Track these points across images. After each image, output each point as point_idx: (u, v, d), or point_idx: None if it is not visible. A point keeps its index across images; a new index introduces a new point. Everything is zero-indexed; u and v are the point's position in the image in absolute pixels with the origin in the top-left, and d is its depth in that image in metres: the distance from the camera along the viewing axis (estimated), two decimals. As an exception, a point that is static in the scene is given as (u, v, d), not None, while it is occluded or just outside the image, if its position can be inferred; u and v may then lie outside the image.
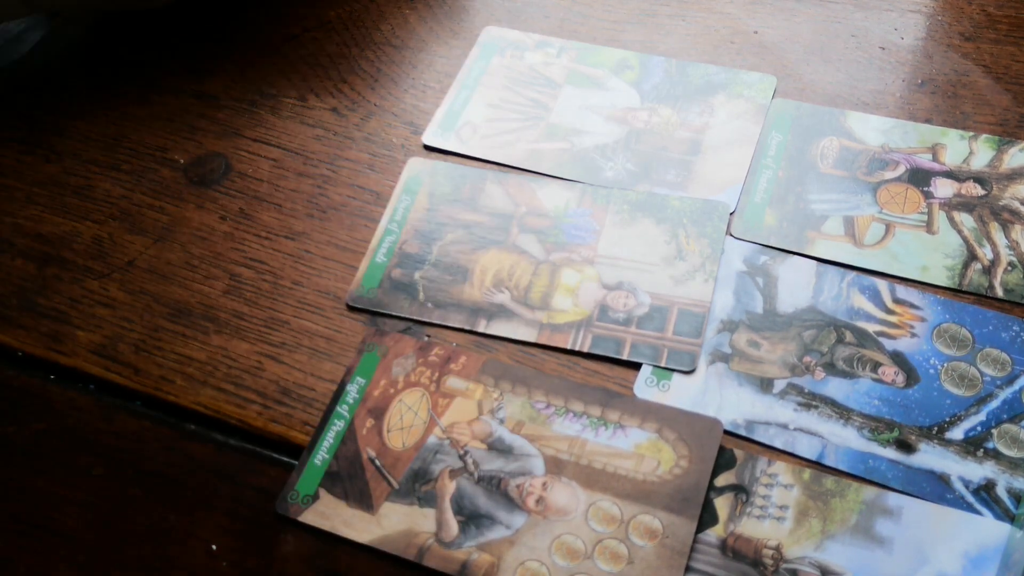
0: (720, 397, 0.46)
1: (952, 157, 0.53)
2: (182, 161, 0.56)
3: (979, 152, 0.53)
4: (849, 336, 0.47)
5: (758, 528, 0.42)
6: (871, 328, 0.47)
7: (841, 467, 0.44)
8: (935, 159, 0.53)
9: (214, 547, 0.43)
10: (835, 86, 0.56)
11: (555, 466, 0.44)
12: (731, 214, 0.52)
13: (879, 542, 0.42)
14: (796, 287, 0.49)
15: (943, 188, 0.52)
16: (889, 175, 0.53)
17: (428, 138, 0.56)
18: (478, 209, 0.53)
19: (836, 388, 0.46)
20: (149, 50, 0.61)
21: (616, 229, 0.51)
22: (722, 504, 0.43)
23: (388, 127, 0.57)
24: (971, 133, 0.54)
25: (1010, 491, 0.43)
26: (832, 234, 0.50)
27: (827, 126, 0.55)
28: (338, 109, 0.57)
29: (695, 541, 0.42)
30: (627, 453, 0.44)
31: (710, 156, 0.54)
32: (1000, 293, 0.48)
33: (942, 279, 0.49)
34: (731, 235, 0.51)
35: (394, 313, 0.49)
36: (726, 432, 0.45)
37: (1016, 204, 0.51)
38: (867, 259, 0.50)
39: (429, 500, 0.44)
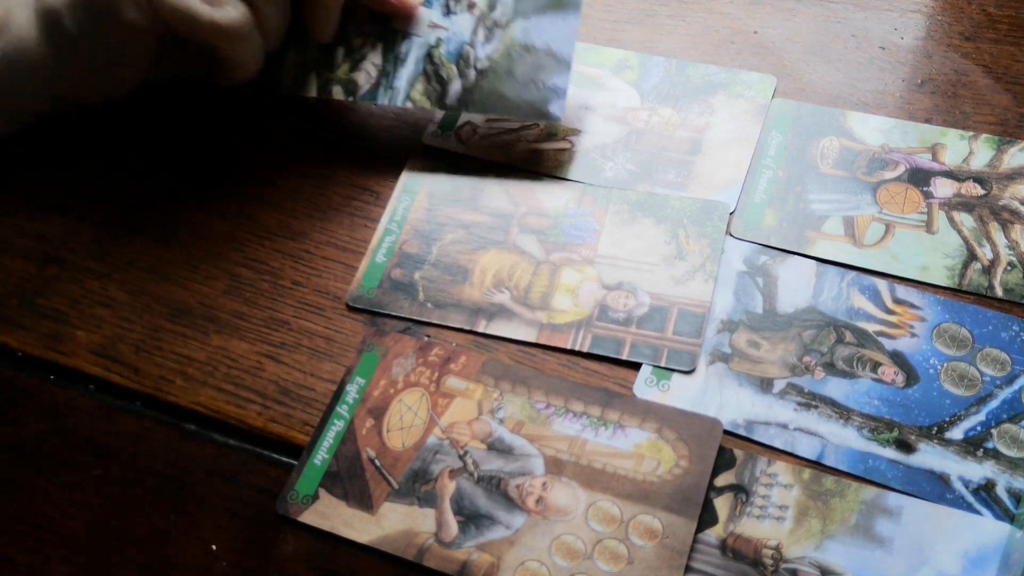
0: (720, 397, 0.46)
1: (952, 157, 0.53)
2: (183, 161, 0.55)
3: (979, 152, 0.53)
4: (849, 336, 0.47)
5: (758, 528, 0.42)
6: (871, 328, 0.47)
7: (841, 467, 0.44)
8: (935, 159, 0.53)
9: (214, 547, 0.43)
10: (835, 86, 0.56)
11: (555, 466, 0.44)
12: (731, 214, 0.52)
13: (879, 542, 0.42)
14: (796, 287, 0.49)
15: (943, 188, 0.52)
16: (889, 175, 0.53)
17: (428, 138, 0.56)
18: (478, 209, 0.53)
19: (836, 388, 0.46)
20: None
21: (616, 229, 0.51)
22: (722, 504, 0.43)
23: (388, 127, 0.56)
24: (971, 133, 0.54)
25: (1010, 491, 0.43)
26: (832, 234, 0.50)
27: (827, 126, 0.55)
28: (339, 109, 0.57)
29: (695, 541, 0.42)
30: (627, 453, 0.44)
31: (710, 156, 0.54)
32: (1000, 293, 0.48)
33: (942, 279, 0.49)
34: (731, 235, 0.51)
35: (394, 313, 0.49)
36: (726, 432, 0.45)
37: (1016, 204, 0.51)
38: (867, 259, 0.50)
39: (429, 500, 0.44)
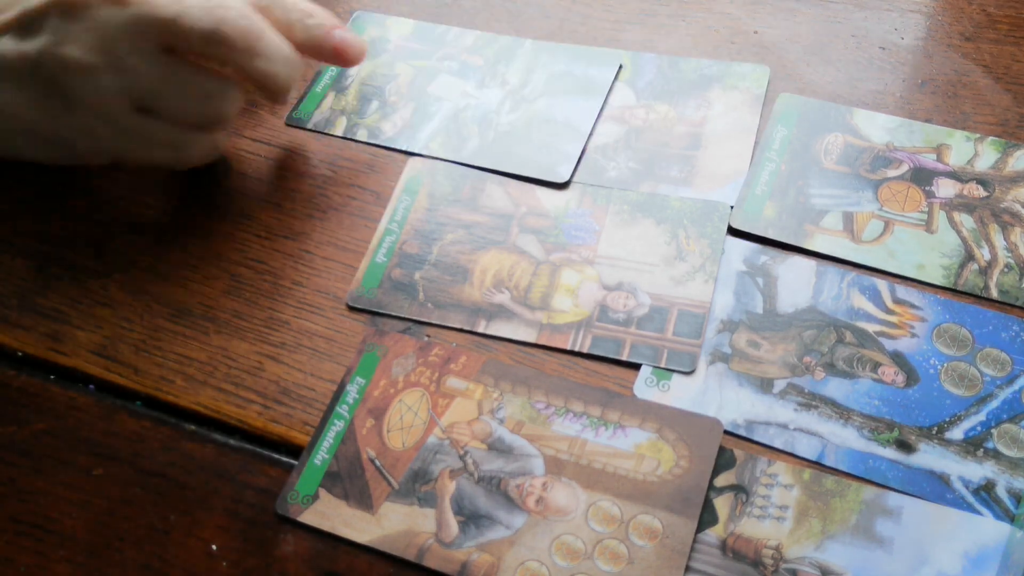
0: (720, 397, 0.46)
1: (957, 158, 0.53)
2: (182, 161, 0.55)
3: (984, 154, 0.53)
4: (849, 336, 0.47)
5: (758, 528, 0.42)
6: (871, 328, 0.47)
7: (841, 467, 0.44)
8: (939, 159, 0.53)
9: (214, 547, 0.43)
10: (835, 86, 0.56)
11: (555, 466, 0.44)
12: (731, 207, 0.51)
13: (879, 542, 0.42)
14: (796, 287, 0.49)
15: (945, 188, 0.52)
16: (892, 173, 0.53)
17: (428, 138, 0.56)
18: (478, 209, 0.53)
19: (836, 388, 0.46)
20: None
21: (616, 230, 0.51)
22: (722, 504, 0.43)
23: (388, 127, 0.56)
24: (977, 135, 0.54)
25: (1010, 491, 0.43)
26: (830, 229, 0.50)
27: (833, 122, 0.55)
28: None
29: (695, 541, 0.42)
30: (627, 453, 0.44)
31: (712, 149, 0.54)
32: (995, 294, 0.48)
33: (938, 278, 0.49)
34: (730, 225, 0.51)
35: (394, 313, 0.49)
36: (726, 432, 0.45)
37: (1017, 207, 0.51)
38: (864, 255, 0.50)
39: (429, 500, 0.44)
